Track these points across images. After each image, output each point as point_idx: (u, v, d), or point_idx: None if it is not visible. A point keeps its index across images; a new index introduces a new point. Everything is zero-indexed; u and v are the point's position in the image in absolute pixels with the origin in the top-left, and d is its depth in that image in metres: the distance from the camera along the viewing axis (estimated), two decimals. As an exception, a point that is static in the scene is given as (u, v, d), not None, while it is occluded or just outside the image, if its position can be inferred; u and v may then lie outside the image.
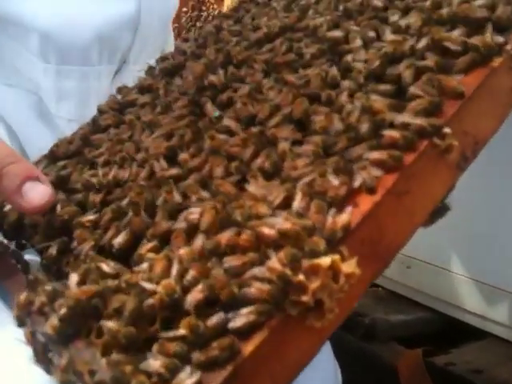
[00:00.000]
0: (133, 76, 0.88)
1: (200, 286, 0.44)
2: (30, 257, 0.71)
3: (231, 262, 0.44)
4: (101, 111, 0.83)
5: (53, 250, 0.60)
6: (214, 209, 0.49)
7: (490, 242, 1.19)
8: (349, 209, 0.46)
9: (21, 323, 0.54)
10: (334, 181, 0.47)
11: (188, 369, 0.41)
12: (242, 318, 0.42)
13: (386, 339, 1.28)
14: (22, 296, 0.54)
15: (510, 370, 1.10)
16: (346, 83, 0.59)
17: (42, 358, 0.51)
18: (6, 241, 0.72)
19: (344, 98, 0.57)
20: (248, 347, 0.42)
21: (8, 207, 0.70)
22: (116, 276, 0.52)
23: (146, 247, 0.54)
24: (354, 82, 0.58)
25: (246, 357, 0.42)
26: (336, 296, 0.43)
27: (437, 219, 0.52)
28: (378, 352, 1.25)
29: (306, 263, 0.42)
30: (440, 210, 0.51)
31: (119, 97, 0.85)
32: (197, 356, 0.42)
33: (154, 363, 0.41)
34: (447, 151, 0.51)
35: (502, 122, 0.59)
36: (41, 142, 0.84)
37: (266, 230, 0.45)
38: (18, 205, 0.60)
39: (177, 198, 0.56)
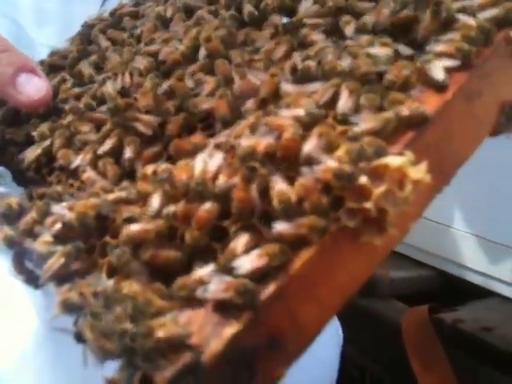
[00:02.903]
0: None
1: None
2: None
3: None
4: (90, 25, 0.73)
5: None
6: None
7: (496, 196, 1.13)
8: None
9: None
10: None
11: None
12: (291, 227, 0.34)
13: (386, 296, 1.23)
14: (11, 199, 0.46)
15: (518, 329, 1.05)
16: None
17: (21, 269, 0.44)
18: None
19: None
20: (294, 265, 0.34)
21: None
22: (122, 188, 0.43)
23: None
24: None
25: (291, 275, 0.34)
26: (400, 207, 0.35)
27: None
28: (380, 309, 1.20)
29: (369, 164, 0.34)
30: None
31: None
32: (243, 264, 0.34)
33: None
34: (521, 48, 0.43)
35: None
36: None
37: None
38: (13, 98, 0.54)
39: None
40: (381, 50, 0.41)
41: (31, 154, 0.54)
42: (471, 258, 1.21)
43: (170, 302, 0.35)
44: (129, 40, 0.63)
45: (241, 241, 0.35)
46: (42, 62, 0.70)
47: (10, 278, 0.56)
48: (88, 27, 0.72)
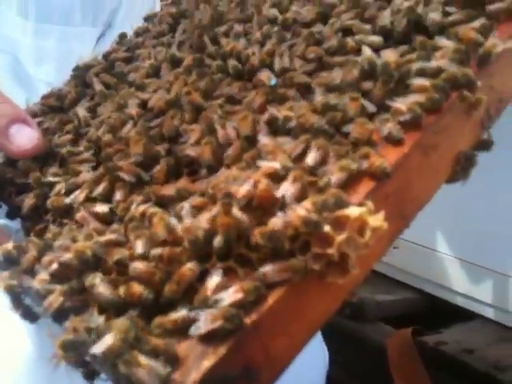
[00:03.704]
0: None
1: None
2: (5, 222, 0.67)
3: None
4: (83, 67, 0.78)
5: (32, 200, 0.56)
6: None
7: (479, 220, 1.18)
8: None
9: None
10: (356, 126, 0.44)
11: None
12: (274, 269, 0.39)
13: (373, 319, 1.27)
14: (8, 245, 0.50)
15: (500, 351, 1.09)
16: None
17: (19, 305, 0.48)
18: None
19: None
20: (267, 303, 0.39)
21: None
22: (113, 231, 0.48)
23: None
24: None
25: (264, 312, 0.38)
26: (361, 251, 0.39)
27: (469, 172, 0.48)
28: (366, 332, 1.24)
29: (332, 214, 0.39)
30: (470, 163, 0.48)
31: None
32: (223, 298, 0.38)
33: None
34: (475, 106, 0.48)
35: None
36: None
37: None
38: (5, 147, 0.58)
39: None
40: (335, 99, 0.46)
41: (28, 201, 0.58)
42: (456, 281, 1.25)
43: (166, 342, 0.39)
44: (122, 85, 0.68)
45: (212, 281, 0.40)
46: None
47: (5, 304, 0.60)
48: (81, 70, 0.76)
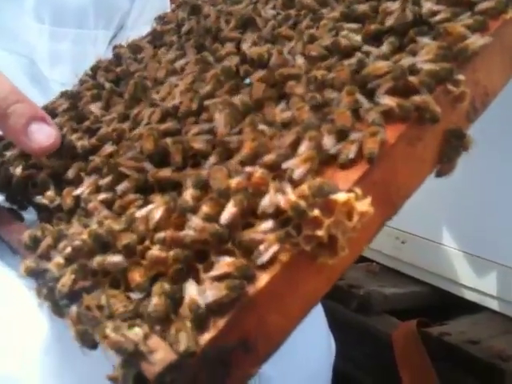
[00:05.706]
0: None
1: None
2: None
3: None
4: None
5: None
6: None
7: (483, 214, 1.20)
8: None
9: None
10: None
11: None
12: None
13: (379, 311, 1.29)
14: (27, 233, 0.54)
15: (505, 342, 1.11)
16: None
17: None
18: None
19: None
20: (262, 280, 0.42)
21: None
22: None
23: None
24: None
25: (260, 289, 0.42)
26: (349, 234, 0.43)
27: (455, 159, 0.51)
28: (373, 323, 1.26)
29: (323, 199, 0.42)
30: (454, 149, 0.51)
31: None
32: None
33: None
34: (459, 99, 0.51)
35: (511, 77, 0.59)
36: None
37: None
38: (25, 145, 0.61)
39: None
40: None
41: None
42: (462, 274, 1.27)
43: None
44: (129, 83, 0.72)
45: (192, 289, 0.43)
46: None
47: (21, 284, 0.63)
48: (93, 70, 0.81)
